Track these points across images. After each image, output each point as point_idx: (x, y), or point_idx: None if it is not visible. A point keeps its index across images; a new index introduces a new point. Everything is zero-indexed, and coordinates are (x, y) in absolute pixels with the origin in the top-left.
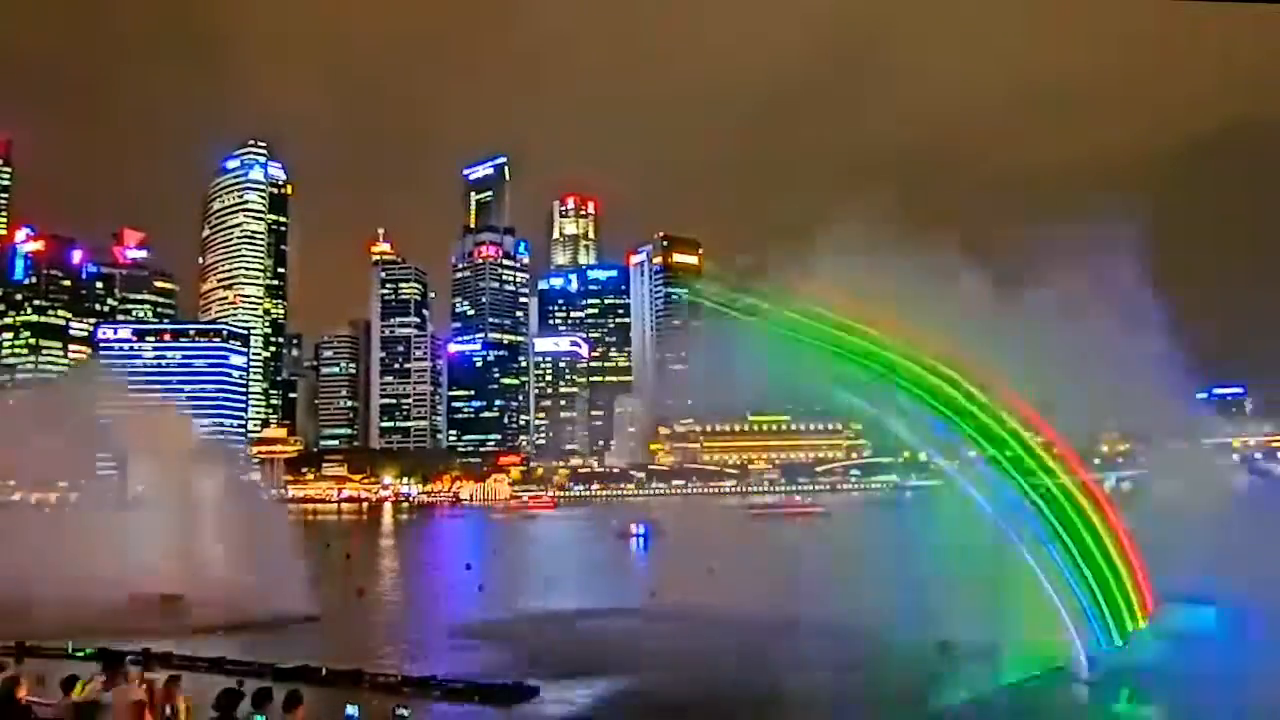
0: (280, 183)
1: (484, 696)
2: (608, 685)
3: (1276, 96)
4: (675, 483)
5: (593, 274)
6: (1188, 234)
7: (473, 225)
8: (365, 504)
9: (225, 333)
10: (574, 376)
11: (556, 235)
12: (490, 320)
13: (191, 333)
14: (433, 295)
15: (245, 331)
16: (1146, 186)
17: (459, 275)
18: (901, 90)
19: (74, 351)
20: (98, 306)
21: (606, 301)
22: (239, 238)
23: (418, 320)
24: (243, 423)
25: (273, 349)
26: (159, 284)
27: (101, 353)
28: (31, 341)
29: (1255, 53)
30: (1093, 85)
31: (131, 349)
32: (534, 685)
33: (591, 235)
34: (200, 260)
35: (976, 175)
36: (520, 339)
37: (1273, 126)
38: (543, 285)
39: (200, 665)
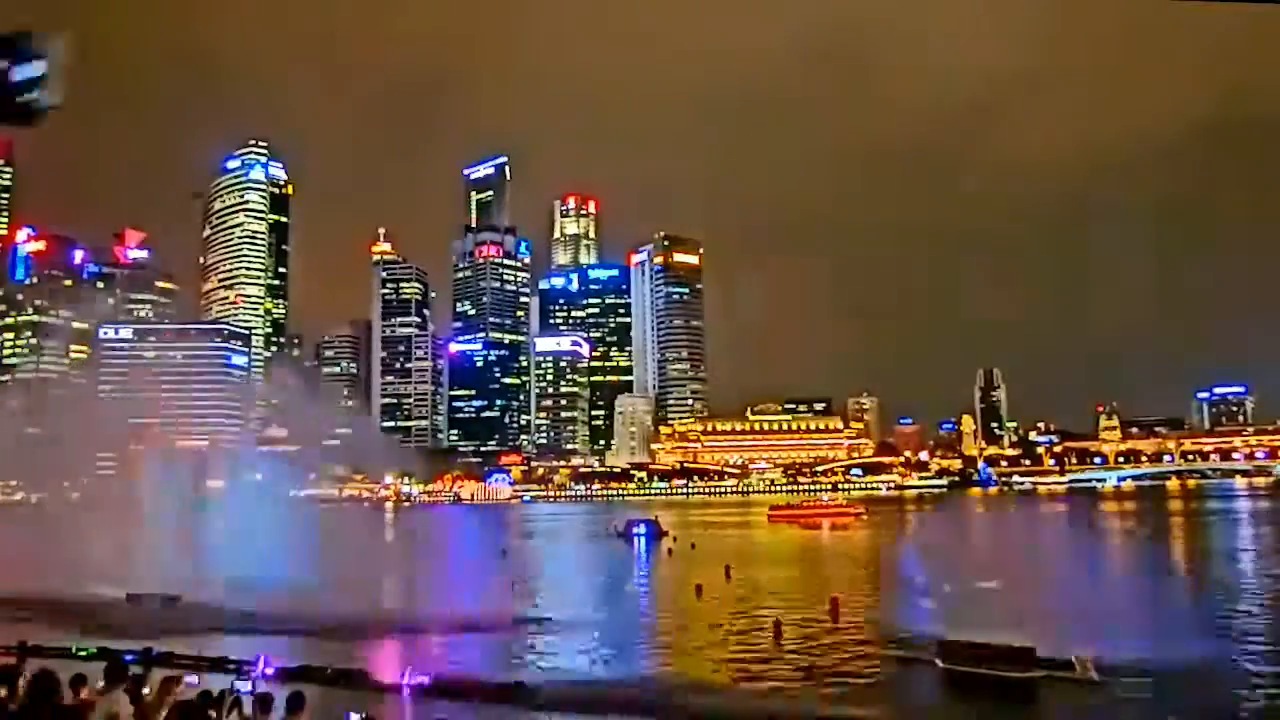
0: (280, 183)
1: (484, 696)
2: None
3: (1262, 95)
4: (676, 482)
5: (593, 274)
6: (1186, 233)
7: (473, 225)
8: (366, 504)
9: (226, 332)
10: (575, 376)
11: (557, 235)
12: (491, 320)
13: (192, 332)
14: (433, 295)
15: (246, 331)
16: (1143, 184)
17: (460, 275)
18: (898, 86)
19: (75, 351)
20: (99, 306)
21: (607, 301)
22: (240, 238)
23: (418, 320)
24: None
25: (274, 349)
26: (160, 284)
27: (102, 353)
28: (32, 341)
29: (1238, 51)
30: (1087, 81)
31: (132, 349)
32: (534, 685)
33: (592, 235)
34: (201, 260)
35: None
36: (521, 338)
37: (1261, 125)
38: (543, 285)
39: (203, 665)
